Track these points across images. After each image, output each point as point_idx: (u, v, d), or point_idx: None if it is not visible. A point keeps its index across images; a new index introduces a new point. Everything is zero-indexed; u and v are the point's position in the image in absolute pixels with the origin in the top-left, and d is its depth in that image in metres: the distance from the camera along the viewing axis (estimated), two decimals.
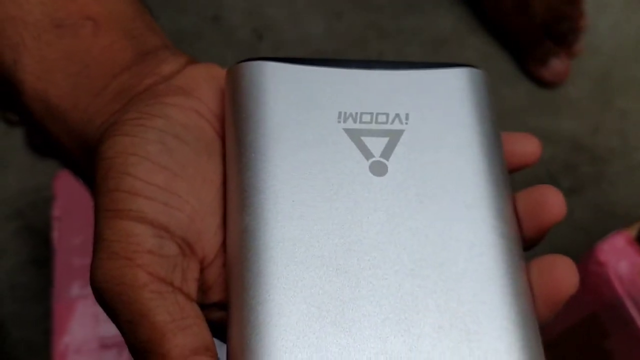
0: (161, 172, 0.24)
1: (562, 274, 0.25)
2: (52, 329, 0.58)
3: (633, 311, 0.52)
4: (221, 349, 0.24)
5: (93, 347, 0.59)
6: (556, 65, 0.82)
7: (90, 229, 0.65)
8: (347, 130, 0.25)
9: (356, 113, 0.26)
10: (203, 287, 0.25)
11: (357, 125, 0.26)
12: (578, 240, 0.74)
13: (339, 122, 0.26)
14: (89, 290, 0.60)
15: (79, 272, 0.61)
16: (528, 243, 0.26)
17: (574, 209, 0.75)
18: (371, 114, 0.26)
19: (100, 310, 0.59)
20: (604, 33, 0.87)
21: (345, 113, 0.26)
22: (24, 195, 0.76)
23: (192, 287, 0.24)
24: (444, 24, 0.87)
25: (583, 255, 0.56)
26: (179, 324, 0.23)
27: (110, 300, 0.23)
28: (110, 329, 0.59)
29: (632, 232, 0.54)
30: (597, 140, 0.81)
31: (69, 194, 0.64)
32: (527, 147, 0.27)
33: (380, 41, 0.86)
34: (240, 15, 0.87)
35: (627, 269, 0.53)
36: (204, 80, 0.27)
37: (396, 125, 0.26)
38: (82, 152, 0.27)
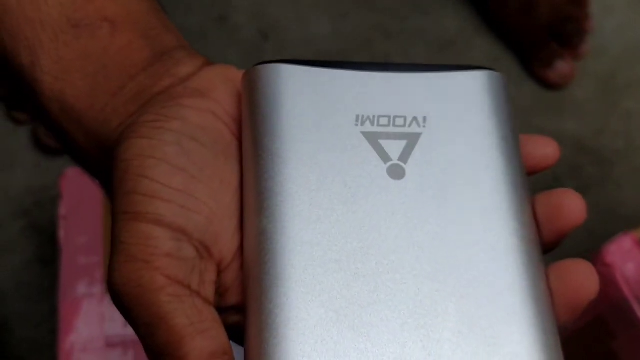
0: (178, 175, 0.24)
1: (582, 279, 0.24)
2: (58, 328, 0.58)
3: None
4: (238, 353, 0.23)
5: (99, 346, 0.59)
6: (562, 67, 0.82)
7: (96, 228, 0.65)
8: (364, 134, 0.25)
9: (374, 116, 0.26)
10: (220, 290, 0.25)
11: (375, 129, 0.25)
12: (584, 241, 0.74)
13: (357, 125, 0.25)
14: (94, 289, 0.60)
15: (84, 270, 0.61)
16: (546, 247, 0.26)
17: None
18: (389, 117, 0.26)
19: (105, 309, 0.59)
20: (610, 35, 0.87)
21: (362, 116, 0.26)
22: (30, 194, 0.76)
23: (209, 290, 0.24)
24: (450, 25, 0.87)
25: (589, 257, 0.56)
26: (197, 327, 0.22)
27: (128, 303, 0.23)
28: (115, 328, 0.59)
29: (638, 234, 0.54)
30: (602, 141, 0.81)
31: (75, 193, 0.64)
32: (545, 149, 0.27)
33: (386, 42, 0.86)
34: (246, 16, 0.87)
35: (634, 270, 0.53)
36: (221, 82, 0.27)
37: (414, 129, 0.26)
38: (98, 153, 0.27)
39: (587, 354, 0.58)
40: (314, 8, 0.88)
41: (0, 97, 0.81)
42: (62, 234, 0.63)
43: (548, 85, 0.83)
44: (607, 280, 0.54)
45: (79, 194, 0.63)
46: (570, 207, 0.26)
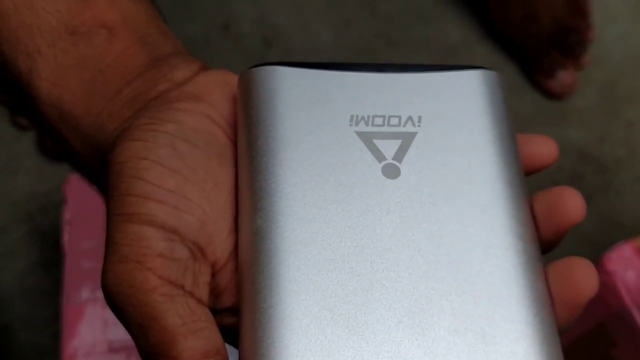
0: (172, 176, 0.24)
1: (581, 276, 0.24)
2: (62, 332, 0.59)
3: None
4: (234, 356, 0.23)
5: (102, 350, 0.59)
6: (564, 77, 0.82)
7: (100, 233, 0.65)
8: (359, 133, 0.25)
9: (368, 116, 0.26)
10: (215, 292, 0.25)
11: (369, 128, 0.25)
12: (585, 250, 0.74)
13: (351, 125, 0.25)
14: (98, 293, 0.60)
15: (88, 275, 0.61)
16: (546, 245, 0.26)
17: None
18: (383, 116, 0.26)
19: (109, 313, 0.59)
20: (611, 44, 0.87)
21: (357, 116, 0.26)
22: (34, 199, 0.77)
23: (203, 291, 0.24)
24: (452, 34, 0.88)
25: None
26: (189, 327, 0.22)
27: (121, 304, 0.23)
28: (119, 333, 0.59)
29: (639, 242, 0.55)
30: (603, 150, 0.81)
31: (79, 198, 0.64)
32: (544, 148, 0.27)
33: (389, 50, 0.86)
34: (250, 24, 0.88)
35: (635, 278, 0.53)
36: (217, 86, 0.27)
37: (409, 128, 0.26)
38: (95, 158, 0.27)
39: None
40: (318, 16, 0.88)
41: (4, 103, 0.81)
42: (66, 238, 0.63)
43: (550, 95, 0.83)
44: (608, 288, 0.54)
45: (83, 199, 0.64)
46: (569, 204, 0.25)
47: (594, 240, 0.75)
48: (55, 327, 0.63)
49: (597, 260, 0.55)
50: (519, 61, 0.86)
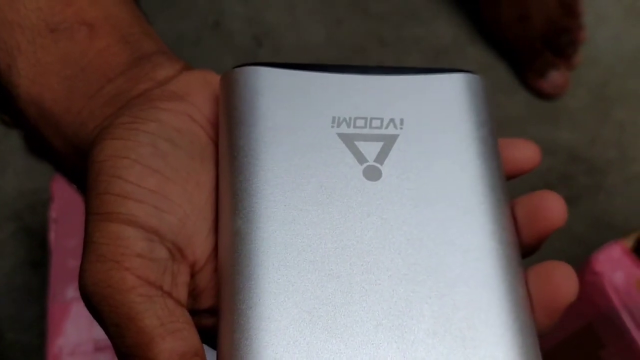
0: (152, 176, 0.24)
1: (561, 281, 0.24)
2: (47, 331, 0.58)
3: (628, 322, 0.52)
4: (212, 357, 0.23)
5: (87, 350, 0.58)
6: (555, 78, 0.82)
7: None
8: (340, 135, 0.25)
9: (350, 118, 0.25)
10: (194, 293, 0.24)
11: (351, 130, 0.25)
12: (575, 250, 0.74)
13: (333, 126, 0.25)
14: None
15: (74, 274, 0.61)
16: (527, 250, 0.26)
17: (570, 219, 0.75)
18: (365, 118, 0.26)
19: None
20: (603, 45, 0.87)
21: (339, 118, 0.25)
22: (21, 197, 0.76)
23: (182, 292, 0.24)
24: (444, 34, 0.87)
25: (579, 265, 0.56)
26: (167, 328, 0.22)
27: (98, 304, 0.23)
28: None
29: (628, 243, 0.55)
30: (594, 151, 0.81)
31: (66, 197, 0.64)
32: (525, 152, 0.27)
33: (380, 49, 0.86)
34: (241, 22, 0.87)
35: (623, 279, 0.53)
36: (199, 86, 0.27)
37: (390, 130, 0.25)
38: (75, 157, 0.27)
39: None
40: (309, 14, 0.88)
41: None
42: (52, 237, 0.63)
43: (542, 95, 0.83)
44: (596, 289, 0.54)
45: (70, 198, 0.63)
46: (550, 208, 0.25)
47: (584, 241, 0.75)
48: (41, 326, 0.63)
49: (586, 261, 0.55)
50: (510, 61, 0.86)
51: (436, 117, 0.26)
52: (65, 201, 0.63)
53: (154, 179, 0.24)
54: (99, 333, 0.59)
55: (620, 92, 0.84)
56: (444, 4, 0.89)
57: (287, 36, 0.87)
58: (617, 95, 0.84)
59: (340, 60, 0.85)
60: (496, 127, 0.27)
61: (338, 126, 0.25)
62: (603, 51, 0.86)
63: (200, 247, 0.24)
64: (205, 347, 0.24)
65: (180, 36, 0.86)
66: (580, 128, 0.82)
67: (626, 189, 0.79)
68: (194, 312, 0.24)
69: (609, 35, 0.88)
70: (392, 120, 0.26)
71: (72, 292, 0.60)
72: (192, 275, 0.24)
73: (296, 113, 0.25)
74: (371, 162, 0.25)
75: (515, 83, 0.85)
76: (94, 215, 0.23)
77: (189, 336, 0.23)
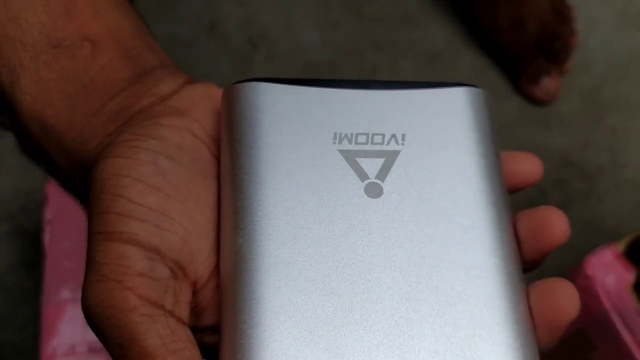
0: (154, 194, 0.24)
1: (562, 298, 0.24)
2: (41, 332, 0.58)
3: (620, 325, 0.52)
4: None
5: (82, 351, 0.58)
6: (548, 83, 0.83)
7: (82, 233, 0.65)
8: (342, 152, 0.25)
9: (352, 134, 0.25)
10: (196, 310, 0.24)
11: (353, 147, 0.25)
12: (566, 255, 0.74)
13: (334, 143, 0.25)
14: (78, 293, 0.60)
15: (69, 275, 0.61)
16: (528, 265, 0.26)
17: None
18: (367, 134, 0.25)
19: None
20: (595, 51, 0.88)
21: (340, 134, 0.25)
22: (15, 197, 0.76)
23: (184, 310, 0.24)
24: (439, 38, 0.88)
25: (571, 269, 0.57)
26: (169, 348, 0.22)
27: (100, 324, 0.23)
28: None
29: (619, 247, 0.55)
30: (586, 156, 0.81)
31: (60, 198, 0.64)
32: (527, 166, 0.27)
33: (375, 53, 0.87)
34: (236, 24, 0.88)
35: (615, 283, 0.54)
36: (201, 101, 0.27)
37: (392, 146, 0.25)
38: (77, 173, 0.27)
39: None
40: (304, 17, 0.88)
41: None
42: (47, 238, 0.63)
43: (534, 101, 0.84)
44: (588, 293, 0.54)
45: (64, 199, 0.63)
46: (554, 225, 0.25)
47: (575, 245, 0.76)
48: (35, 327, 0.63)
49: (578, 265, 0.55)
50: (504, 66, 0.86)
51: (438, 132, 0.26)
52: (59, 203, 0.63)
53: (154, 197, 0.24)
54: (92, 335, 0.59)
55: (612, 98, 0.85)
56: (439, 8, 0.90)
57: (282, 39, 0.87)
58: (609, 101, 0.85)
59: (336, 63, 0.85)
60: (498, 141, 0.27)
61: (340, 142, 0.25)
62: (595, 57, 0.87)
63: (202, 264, 0.24)
64: None
65: (176, 38, 0.86)
66: (572, 133, 0.83)
67: (617, 194, 0.80)
68: (197, 330, 0.24)
69: (601, 41, 0.88)
70: (393, 135, 0.25)
71: (66, 293, 0.60)
72: (194, 293, 0.24)
73: (297, 130, 0.25)
74: (372, 179, 0.25)
75: (509, 88, 0.85)
76: (95, 235, 0.23)
77: (191, 355, 0.23)
